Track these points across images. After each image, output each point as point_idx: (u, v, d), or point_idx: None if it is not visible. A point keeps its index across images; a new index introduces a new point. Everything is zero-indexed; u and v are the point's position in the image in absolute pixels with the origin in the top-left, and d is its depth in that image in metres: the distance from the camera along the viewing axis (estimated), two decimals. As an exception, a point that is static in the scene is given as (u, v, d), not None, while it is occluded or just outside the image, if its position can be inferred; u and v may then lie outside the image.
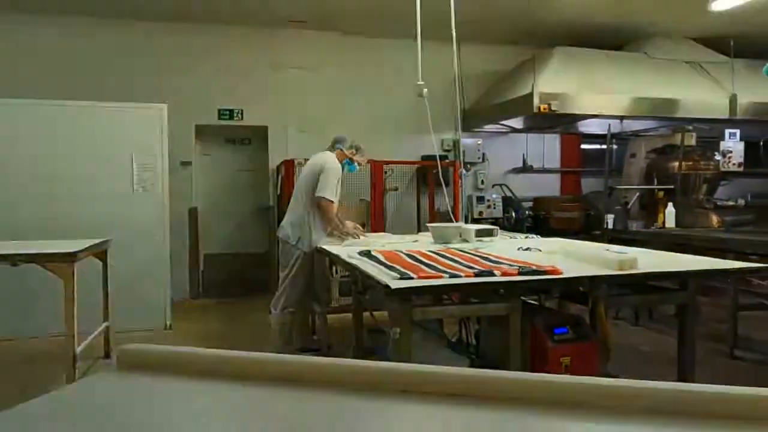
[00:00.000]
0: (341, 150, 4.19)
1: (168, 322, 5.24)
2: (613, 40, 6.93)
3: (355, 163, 4.27)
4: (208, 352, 0.80)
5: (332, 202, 3.99)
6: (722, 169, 6.55)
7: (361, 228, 4.30)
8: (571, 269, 2.43)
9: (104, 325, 4.33)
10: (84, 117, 5.07)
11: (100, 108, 5.14)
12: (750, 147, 6.98)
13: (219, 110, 6.77)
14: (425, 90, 4.03)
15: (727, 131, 6.56)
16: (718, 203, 6.58)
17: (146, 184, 5.17)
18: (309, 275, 4.12)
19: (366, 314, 3.71)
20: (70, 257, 3.44)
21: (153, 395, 0.74)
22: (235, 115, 6.82)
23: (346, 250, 3.41)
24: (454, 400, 0.67)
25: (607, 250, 3.01)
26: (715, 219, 6.30)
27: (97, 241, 4.04)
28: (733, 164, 6.54)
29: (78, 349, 3.54)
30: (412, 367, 0.71)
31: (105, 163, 5.09)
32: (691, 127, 6.46)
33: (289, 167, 5.71)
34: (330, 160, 4.08)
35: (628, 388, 0.72)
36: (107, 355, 4.36)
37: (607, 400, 0.71)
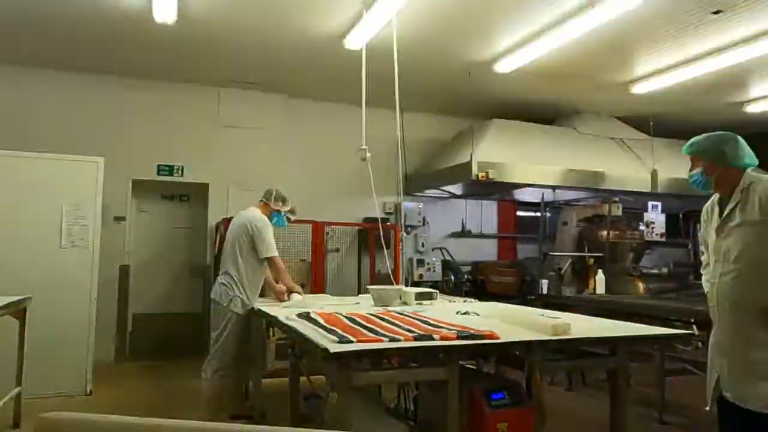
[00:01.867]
0: (265, 202, 4.15)
1: (89, 388, 4.88)
2: (545, 114, 7.38)
3: (283, 215, 4.21)
4: (137, 421, 0.75)
5: (277, 256, 3.99)
6: (646, 239, 6.95)
7: (300, 288, 4.23)
8: (508, 334, 2.47)
9: (16, 390, 3.98)
10: (13, 167, 4.82)
11: (31, 159, 4.91)
12: (670, 219, 7.48)
13: (158, 166, 6.64)
14: (368, 154, 4.13)
15: (650, 203, 7.03)
16: (644, 271, 6.93)
17: (76, 239, 4.92)
18: (243, 338, 3.99)
19: (303, 378, 3.60)
20: (-16, 316, 3.20)
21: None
22: (175, 171, 6.70)
23: (284, 311, 3.34)
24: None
25: (542, 315, 3.09)
26: (641, 286, 6.61)
27: (15, 298, 3.77)
28: (656, 234, 6.97)
29: (-16, 418, 3.24)
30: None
31: (32, 215, 4.82)
32: (617, 199, 6.87)
33: (229, 225, 5.60)
34: (257, 216, 4.04)
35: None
36: (16, 425, 3.99)
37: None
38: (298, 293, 4.09)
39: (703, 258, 2.80)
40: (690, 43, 5.24)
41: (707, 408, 2.62)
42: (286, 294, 4.07)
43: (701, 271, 2.81)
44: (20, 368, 4.05)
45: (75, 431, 0.74)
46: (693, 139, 2.73)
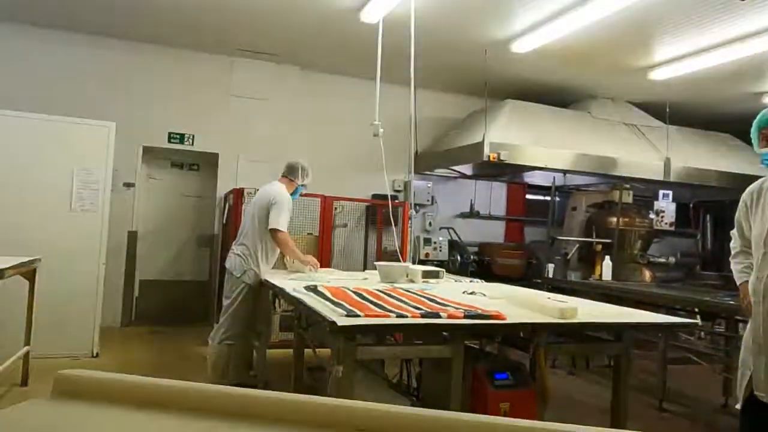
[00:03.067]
0: (291, 179, 4.15)
1: (95, 350, 4.95)
2: (560, 97, 7.29)
3: (300, 188, 4.24)
4: (151, 381, 0.76)
5: (284, 231, 3.97)
6: (655, 227, 6.91)
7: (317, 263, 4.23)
8: (514, 315, 2.47)
9: (24, 349, 4.04)
10: (26, 129, 4.83)
11: (43, 121, 4.92)
12: (681, 208, 7.43)
13: (169, 134, 6.63)
14: (381, 130, 4.09)
15: (661, 192, 6.97)
16: (651, 259, 6.90)
17: (86, 203, 4.94)
18: (252, 308, 4.02)
19: (307, 350, 3.63)
20: (-5, 275, 3.23)
21: (93, 427, 0.69)
22: (185, 139, 6.69)
23: (292, 283, 3.35)
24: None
25: (549, 298, 3.09)
26: (648, 274, 6.59)
27: (25, 259, 3.81)
28: (666, 223, 6.92)
29: (-7, 375, 3.29)
30: (369, 406, 0.70)
31: (44, 178, 4.84)
32: (628, 186, 6.81)
33: (237, 196, 5.61)
34: (281, 191, 4.04)
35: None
36: (24, 383, 4.06)
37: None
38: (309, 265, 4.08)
39: (733, 245, 2.68)
40: (713, 30, 5.13)
41: (737, 406, 2.57)
42: (311, 265, 4.04)
43: (731, 260, 2.70)
44: (29, 328, 4.12)
45: (94, 389, 0.74)
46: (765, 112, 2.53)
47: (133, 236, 6.54)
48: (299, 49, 6.42)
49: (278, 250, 4.16)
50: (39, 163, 4.84)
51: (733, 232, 2.72)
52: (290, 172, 4.18)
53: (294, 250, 4.06)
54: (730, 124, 7.41)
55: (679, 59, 5.88)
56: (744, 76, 6.25)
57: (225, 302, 4.07)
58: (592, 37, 5.39)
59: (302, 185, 4.21)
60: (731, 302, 3.94)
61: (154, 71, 6.53)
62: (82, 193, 4.94)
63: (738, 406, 2.56)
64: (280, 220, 3.93)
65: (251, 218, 4.10)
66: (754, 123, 2.55)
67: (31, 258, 3.93)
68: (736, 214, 2.71)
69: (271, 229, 3.94)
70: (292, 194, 4.15)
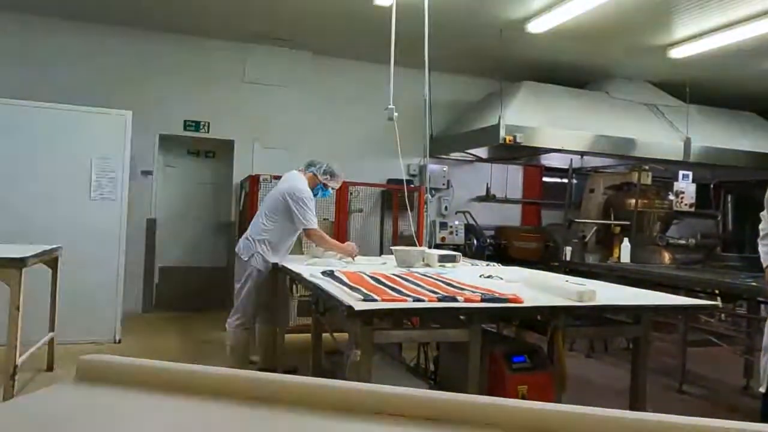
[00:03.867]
0: (314, 174, 4.15)
1: (117, 336, 5.05)
2: (577, 78, 7.18)
3: (329, 189, 4.25)
4: (177, 367, 0.77)
5: (316, 228, 4.00)
6: (675, 209, 6.81)
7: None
8: (531, 298, 2.46)
9: (49, 335, 4.14)
10: (44, 119, 4.90)
11: (61, 111, 4.98)
12: (701, 189, 7.31)
13: (185, 121, 6.66)
14: (395, 114, 4.07)
15: (681, 173, 6.85)
16: (670, 241, 6.82)
17: (104, 191, 5.01)
18: (262, 293, 4.05)
19: (325, 335, 3.66)
20: (19, 263, 3.30)
21: (116, 410, 0.71)
22: (201, 127, 6.72)
23: (309, 269, 3.37)
24: (429, 424, 0.66)
25: (567, 281, 3.07)
26: (667, 256, 6.52)
27: (48, 247, 3.88)
28: (685, 204, 6.81)
29: (19, 361, 3.37)
30: (387, 389, 0.70)
31: (63, 167, 4.91)
32: (647, 167, 6.71)
33: (253, 183, 5.64)
34: (301, 187, 4.02)
35: (589, 416, 0.73)
36: (50, 368, 4.16)
37: (569, 426, 0.71)
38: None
39: (762, 226, 2.65)
40: (736, 5, 4.99)
41: (762, 390, 2.55)
42: (349, 254, 4.02)
43: (759, 241, 2.67)
44: (53, 315, 4.21)
45: (116, 373, 0.76)
46: None
47: (151, 224, 6.62)
48: (312, 34, 6.39)
49: (291, 239, 4.19)
50: (58, 153, 4.90)
51: (763, 214, 2.68)
52: (315, 168, 4.15)
53: (332, 242, 4.08)
54: (753, 102, 7.25)
55: (700, 36, 5.75)
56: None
57: (236, 286, 4.12)
58: (609, 15, 5.28)
59: (323, 184, 4.16)
60: (753, 284, 3.89)
61: (169, 60, 6.56)
62: (100, 181, 5.00)
63: (762, 389, 2.54)
64: (309, 218, 3.94)
65: (267, 205, 4.13)
66: None
67: (53, 246, 4.00)
68: (766, 195, 2.67)
69: (305, 230, 3.98)
70: (320, 191, 4.15)
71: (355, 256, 4.03)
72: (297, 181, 4.09)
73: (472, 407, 0.69)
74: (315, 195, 4.11)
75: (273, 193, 4.17)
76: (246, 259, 4.00)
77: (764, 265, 2.58)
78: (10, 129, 4.82)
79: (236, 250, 4.13)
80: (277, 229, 4.03)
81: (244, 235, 4.15)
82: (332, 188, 4.29)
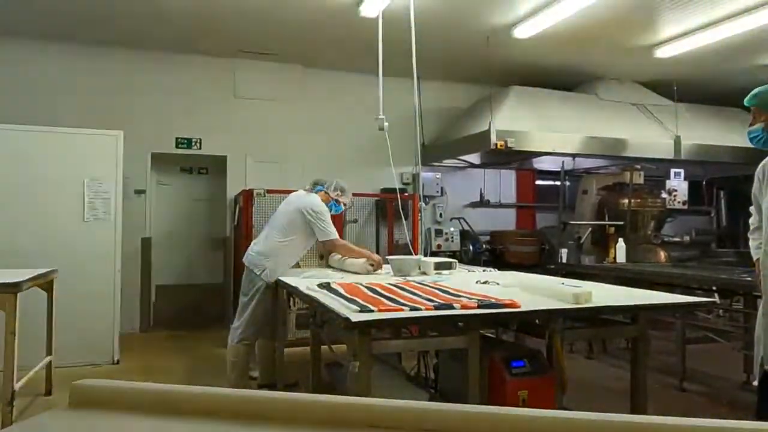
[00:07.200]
0: (325, 192, 4.20)
1: (116, 357, 5.02)
2: (566, 81, 7.23)
3: (341, 204, 4.30)
4: (170, 389, 0.77)
5: (338, 238, 4.06)
6: (668, 207, 6.85)
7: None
8: (528, 302, 2.46)
9: (47, 359, 4.11)
10: (35, 142, 4.89)
11: (52, 133, 4.97)
12: (693, 186, 7.36)
13: (177, 139, 6.67)
14: (386, 123, 4.09)
15: (672, 171, 6.90)
16: (665, 239, 6.85)
17: (98, 212, 5.00)
18: (269, 308, 4.05)
19: (324, 347, 3.65)
20: (14, 287, 3.28)
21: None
22: (193, 144, 6.73)
23: (305, 282, 3.36)
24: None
25: (563, 283, 3.07)
26: (662, 254, 6.54)
27: (42, 270, 3.86)
28: (678, 202, 6.86)
29: (17, 386, 3.35)
30: (382, 402, 0.70)
31: (55, 190, 4.90)
32: (639, 166, 6.75)
33: (247, 197, 5.64)
34: (317, 202, 4.08)
35: (590, 421, 0.73)
36: (48, 392, 4.13)
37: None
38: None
39: (752, 221, 2.66)
40: (718, 3, 5.05)
41: (755, 383, 2.55)
42: (375, 265, 3.99)
43: (749, 236, 2.68)
44: (50, 338, 4.18)
45: (110, 397, 0.75)
46: (756, 90, 2.51)
47: (147, 242, 6.61)
48: (300, 47, 6.41)
49: (301, 254, 4.22)
50: (50, 175, 4.89)
51: (752, 208, 2.69)
52: (319, 184, 4.25)
53: (360, 250, 4.11)
54: (741, 98, 7.29)
55: (685, 35, 5.80)
56: (755, 49, 6.15)
57: (242, 299, 4.09)
58: (594, 17, 5.33)
59: (336, 201, 4.22)
60: (748, 279, 3.90)
61: (158, 78, 6.57)
62: (94, 202, 4.99)
63: (755, 383, 2.55)
64: (329, 230, 3.99)
65: (280, 220, 4.12)
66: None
67: (48, 270, 3.98)
68: (753, 190, 2.69)
69: (327, 242, 4.02)
70: (333, 207, 4.20)
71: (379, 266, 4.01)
72: (311, 197, 4.14)
73: (461, 417, 0.70)
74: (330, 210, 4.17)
75: (285, 210, 4.16)
76: (258, 273, 3.98)
77: (754, 259, 2.59)
78: (1, 153, 4.81)
79: (246, 263, 4.10)
80: (291, 244, 4.05)
81: (254, 249, 4.13)
82: (344, 204, 4.35)
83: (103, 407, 0.75)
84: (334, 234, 4.04)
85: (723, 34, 5.58)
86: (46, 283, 4.02)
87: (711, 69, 6.84)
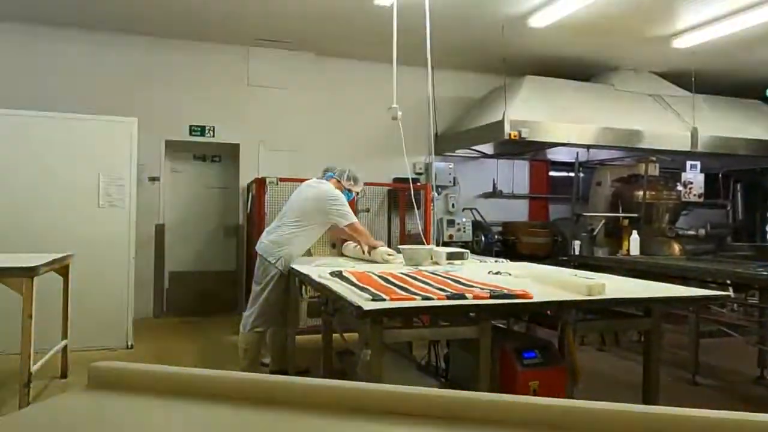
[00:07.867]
0: (337, 180, 4.22)
1: (130, 342, 5.08)
2: (581, 71, 7.14)
3: (353, 192, 4.33)
4: (185, 371, 0.77)
5: (356, 221, 4.07)
6: (683, 200, 6.77)
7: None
8: (541, 293, 2.45)
9: (63, 343, 4.17)
10: (50, 128, 4.93)
11: (67, 120, 5.01)
12: (709, 179, 7.26)
13: (190, 126, 6.69)
14: (399, 113, 4.07)
15: (689, 163, 6.81)
16: (680, 232, 6.78)
17: (113, 199, 5.04)
18: (282, 296, 4.07)
19: (336, 335, 3.67)
20: (30, 272, 3.32)
21: (128, 416, 0.71)
22: (206, 131, 6.75)
23: (317, 270, 3.38)
24: (440, 423, 0.67)
25: (575, 275, 3.06)
26: (677, 247, 6.48)
27: (58, 255, 3.91)
28: (694, 195, 6.77)
29: (33, 369, 3.40)
30: (397, 389, 0.71)
31: (70, 176, 4.95)
32: (654, 158, 6.67)
33: (260, 185, 5.65)
34: (331, 189, 4.10)
35: (601, 411, 0.73)
36: (64, 375, 4.19)
37: (582, 422, 0.71)
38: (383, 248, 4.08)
39: None
40: (739, -8, 4.96)
41: None
42: (380, 252, 4.02)
43: (767, 229, 2.66)
44: (65, 322, 4.24)
45: (126, 379, 0.76)
46: None
47: (160, 229, 6.66)
48: (314, 35, 6.39)
49: (311, 243, 4.23)
50: (65, 162, 4.94)
51: None
52: (330, 171, 4.26)
53: (374, 241, 4.12)
54: (760, 90, 7.18)
55: (704, 25, 5.71)
56: (774, 39, 6.04)
57: (255, 288, 4.11)
58: (611, 7, 5.26)
59: (348, 190, 4.25)
60: (765, 273, 3.86)
61: (172, 65, 6.59)
62: (108, 188, 5.03)
63: None
64: (348, 215, 4.01)
65: (294, 209, 4.13)
66: None
67: (64, 254, 4.03)
68: None
69: (348, 225, 4.01)
70: (345, 195, 4.21)
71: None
72: (324, 184, 4.16)
73: (480, 404, 0.69)
74: None
75: (298, 199, 4.18)
76: (273, 261, 4.00)
77: None
78: (16, 139, 4.86)
79: (260, 250, 4.12)
80: (305, 233, 4.07)
81: (267, 237, 4.15)
82: (356, 192, 4.38)
83: (120, 389, 0.76)
84: (354, 217, 4.05)
85: (742, 24, 5.48)
86: (62, 267, 4.07)
87: (729, 60, 6.72)
